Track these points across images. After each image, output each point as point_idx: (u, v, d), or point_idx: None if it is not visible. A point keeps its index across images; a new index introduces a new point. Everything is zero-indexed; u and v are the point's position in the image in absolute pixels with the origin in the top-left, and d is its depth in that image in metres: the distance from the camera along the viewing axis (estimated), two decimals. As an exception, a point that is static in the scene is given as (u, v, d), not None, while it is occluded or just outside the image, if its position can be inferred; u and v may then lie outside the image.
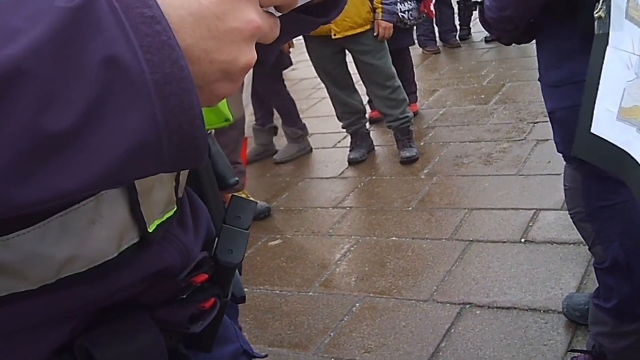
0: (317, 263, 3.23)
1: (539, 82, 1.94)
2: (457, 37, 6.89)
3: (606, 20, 1.26)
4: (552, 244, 2.91)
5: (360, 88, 4.47)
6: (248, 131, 4.04)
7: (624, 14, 1.23)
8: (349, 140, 4.47)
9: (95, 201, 0.59)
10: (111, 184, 0.46)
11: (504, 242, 3.02)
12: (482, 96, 5.10)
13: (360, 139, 4.42)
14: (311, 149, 4.77)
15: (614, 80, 1.23)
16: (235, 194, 0.85)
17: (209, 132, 0.81)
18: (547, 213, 3.17)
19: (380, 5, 4.00)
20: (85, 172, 0.43)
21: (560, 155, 1.96)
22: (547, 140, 1.89)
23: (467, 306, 2.62)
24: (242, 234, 0.75)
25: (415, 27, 5.02)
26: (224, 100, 0.60)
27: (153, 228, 0.65)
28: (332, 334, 2.64)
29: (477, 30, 6.77)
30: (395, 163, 4.23)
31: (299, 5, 0.55)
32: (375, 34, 4.03)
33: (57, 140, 0.41)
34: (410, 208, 3.58)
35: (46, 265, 0.58)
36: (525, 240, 2.99)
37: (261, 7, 0.50)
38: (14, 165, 0.41)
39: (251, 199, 3.15)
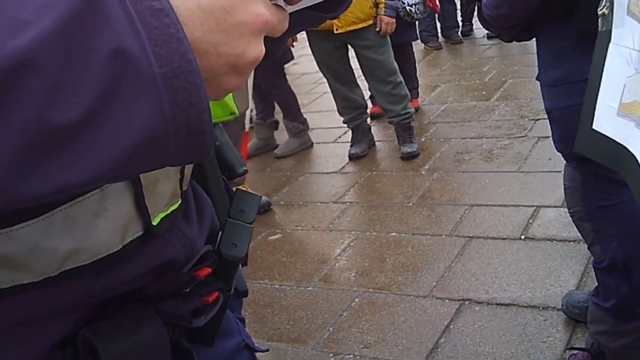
0: (317, 258, 3.23)
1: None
2: (459, 33, 6.88)
3: (609, 18, 1.27)
4: (552, 241, 2.91)
5: (362, 83, 4.46)
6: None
7: (625, 10, 1.23)
8: (350, 135, 4.47)
9: (99, 194, 0.59)
10: (117, 177, 0.46)
11: (504, 238, 3.02)
12: (484, 93, 5.10)
13: (361, 134, 4.42)
14: (312, 143, 4.76)
15: (615, 77, 1.24)
16: (236, 187, 0.85)
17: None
18: (547, 210, 3.17)
19: (382, 1, 4.00)
20: (91, 166, 0.42)
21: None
22: (548, 137, 1.89)
23: (467, 302, 2.62)
24: (246, 228, 0.75)
25: (417, 23, 5.02)
26: (230, 93, 0.60)
27: (157, 221, 0.65)
28: (331, 329, 2.64)
29: (479, 26, 6.74)
30: (396, 159, 4.23)
31: (309, 4, 0.55)
32: (377, 29, 4.03)
33: (64, 133, 0.41)
34: (411, 204, 3.58)
35: (49, 257, 0.57)
36: (525, 237, 2.99)
37: (270, 0, 0.50)
38: (20, 158, 0.40)
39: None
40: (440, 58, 6.42)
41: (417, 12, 4.47)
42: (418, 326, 2.55)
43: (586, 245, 2.02)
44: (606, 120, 1.26)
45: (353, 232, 3.42)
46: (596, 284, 2.02)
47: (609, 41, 1.27)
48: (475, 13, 6.77)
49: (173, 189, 0.68)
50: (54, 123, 0.40)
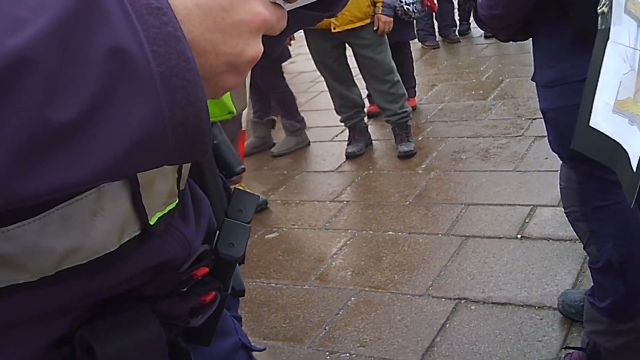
0: (314, 256, 3.23)
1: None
2: (457, 33, 6.88)
3: (608, 16, 1.27)
4: (548, 241, 2.91)
5: (360, 82, 4.46)
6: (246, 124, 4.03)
7: (623, 8, 1.24)
8: (347, 134, 4.47)
9: (97, 193, 0.59)
10: (115, 176, 0.46)
11: (500, 237, 3.03)
12: (481, 92, 5.10)
13: (358, 133, 4.42)
14: (309, 142, 4.76)
15: (612, 74, 1.25)
16: (233, 186, 0.85)
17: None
18: (543, 209, 3.17)
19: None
20: (89, 165, 0.42)
21: (558, 152, 1.96)
22: (545, 136, 1.89)
23: (463, 301, 2.63)
24: (243, 228, 0.75)
25: (415, 22, 5.02)
26: (228, 92, 0.60)
27: (154, 220, 0.65)
28: (327, 327, 2.64)
29: (477, 25, 6.75)
30: (393, 157, 4.23)
31: (307, 3, 0.55)
32: (375, 28, 4.02)
33: (62, 131, 0.41)
34: (407, 203, 3.58)
35: (46, 257, 0.57)
36: (521, 236, 3.00)
37: None
38: (17, 157, 0.40)
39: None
40: (438, 57, 6.42)
41: (415, 11, 4.47)
42: (414, 325, 2.55)
43: (582, 245, 2.03)
44: (602, 117, 1.27)
45: (349, 230, 3.42)
46: (592, 284, 2.03)
47: (608, 39, 1.28)
48: (473, 12, 6.79)
49: (170, 189, 0.68)
50: (52, 121, 0.40)
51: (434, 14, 6.27)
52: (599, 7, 1.30)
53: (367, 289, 2.86)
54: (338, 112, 4.44)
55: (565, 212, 2.03)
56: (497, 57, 5.94)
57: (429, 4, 4.72)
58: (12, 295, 0.57)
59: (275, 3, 0.52)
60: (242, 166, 0.86)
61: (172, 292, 0.67)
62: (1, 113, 0.39)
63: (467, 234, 3.12)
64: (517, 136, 4.12)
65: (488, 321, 2.48)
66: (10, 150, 0.40)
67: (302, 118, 4.74)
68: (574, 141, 1.37)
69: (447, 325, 2.50)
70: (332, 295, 2.86)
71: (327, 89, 4.45)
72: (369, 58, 4.13)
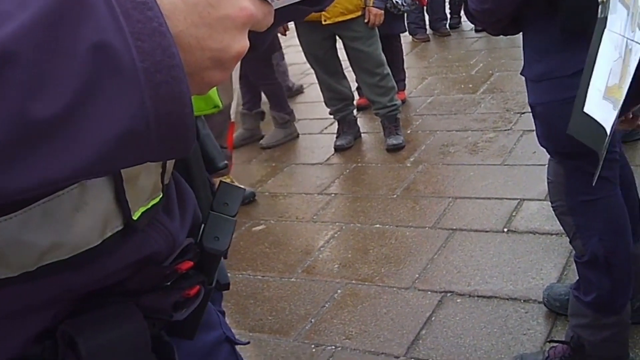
0: (301, 249, 3.23)
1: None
2: (448, 26, 6.88)
3: (607, 5, 1.29)
4: (534, 234, 2.93)
5: (350, 75, 4.45)
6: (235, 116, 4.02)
7: None
8: (336, 126, 4.47)
9: (79, 188, 0.58)
10: (98, 172, 0.45)
11: (486, 231, 3.04)
12: (470, 85, 5.11)
13: (347, 126, 4.42)
14: (298, 134, 4.75)
15: (605, 61, 1.27)
16: (221, 178, 0.84)
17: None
18: (530, 203, 3.19)
19: (371, -8, 3.99)
20: (72, 160, 0.42)
21: (546, 146, 1.97)
22: (533, 130, 1.90)
23: (449, 294, 2.64)
24: (228, 221, 0.75)
25: (406, 15, 5.00)
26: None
27: (138, 215, 0.64)
28: (313, 320, 2.65)
29: (467, 19, 6.76)
30: (382, 150, 4.23)
31: (293, 2, 0.55)
32: (366, 20, 4.02)
33: (44, 126, 0.40)
34: (395, 196, 3.59)
35: (28, 252, 0.57)
36: (508, 230, 3.01)
37: None
38: (0, 152, 0.40)
39: (237, 184, 3.14)
40: (428, 50, 6.42)
41: (405, 4, 4.46)
42: (400, 318, 2.56)
43: (568, 239, 2.04)
44: (594, 103, 1.29)
45: (337, 223, 3.42)
46: (577, 278, 2.04)
47: (605, 27, 1.30)
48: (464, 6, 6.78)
49: (154, 183, 0.67)
50: (35, 116, 0.40)
51: (424, 7, 6.26)
52: None
53: (353, 281, 2.87)
54: (327, 105, 4.43)
55: (552, 206, 2.04)
56: (487, 51, 5.95)
57: (418, -3, 4.72)
58: (-6, 290, 0.57)
59: None
60: (225, 162, 0.85)
61: (156, 286, 0.67)
62: None
63: (454, 227, 3.13)
64: (505, 130, 4.13)
65: (473, 314, 2.49)
66: (-8, 144, 0.39)
67: (292, 110, 4.73)
68: (569, 127, 1.39)
69: (433, 318, 2.51)
70: (318, 288, 2.86)
71: (316, 81, 4.44)
72: (359, 50, 4.12)
